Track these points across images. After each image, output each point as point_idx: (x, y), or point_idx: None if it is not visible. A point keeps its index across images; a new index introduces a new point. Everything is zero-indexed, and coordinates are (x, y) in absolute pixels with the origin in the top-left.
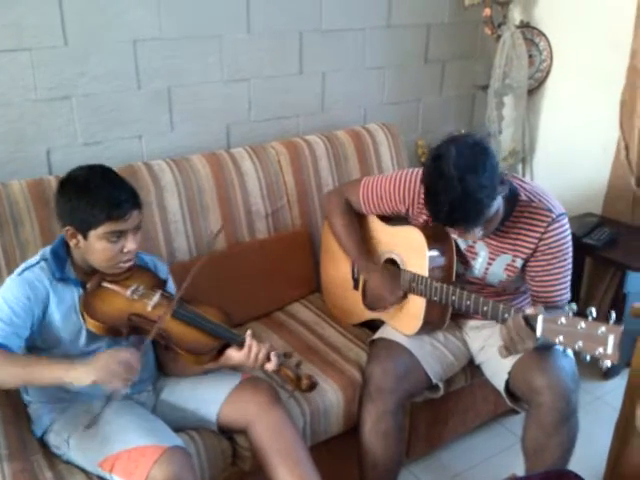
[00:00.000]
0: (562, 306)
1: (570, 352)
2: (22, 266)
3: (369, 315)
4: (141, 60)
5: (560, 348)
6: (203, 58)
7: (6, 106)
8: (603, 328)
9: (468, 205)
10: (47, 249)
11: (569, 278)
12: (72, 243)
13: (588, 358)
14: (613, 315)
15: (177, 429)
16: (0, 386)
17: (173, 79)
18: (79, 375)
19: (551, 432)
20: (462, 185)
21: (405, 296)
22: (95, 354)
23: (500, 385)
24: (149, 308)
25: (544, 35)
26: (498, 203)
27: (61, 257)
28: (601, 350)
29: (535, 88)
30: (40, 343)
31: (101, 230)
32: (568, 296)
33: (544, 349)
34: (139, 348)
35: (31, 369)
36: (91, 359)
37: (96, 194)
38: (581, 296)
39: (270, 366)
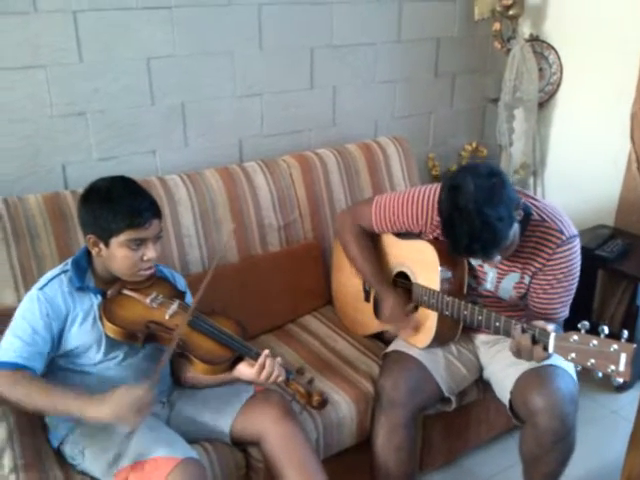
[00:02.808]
0: (558, 322)
1: (574, 372)
2: (43, 279)
3: (380, 327)
4: (155, 77)
5: (569, 363)
6: (216, 74)
7: (22, 122)
8: (615, 346)
9: (487, 236)
10: (69, 260)
11: (569, 298)
12: (94, 252)
13: (600, 375)
14: (625, 333)
15: (191, 441)
16: (20, 406)
17: (186, 95)
18: (97, 415)
19: (548, 448)
20: (480, 218)
21: (416, 309)
22: (112, 390)
23: (505, 402)
24: (167, 316)
25: (553, 48)
26: (515, 229)
27: (82, 267)
28: (613, 367)
29: (545, 101)
30: (62, 354)
31: (122, 237)
32: (565, 314)
33: (543, 368)
34: (154, 378)
35: (52, 399)
36: (108, 397)
37: (118, 203)
38: (594, 308)
39: (280, 379)
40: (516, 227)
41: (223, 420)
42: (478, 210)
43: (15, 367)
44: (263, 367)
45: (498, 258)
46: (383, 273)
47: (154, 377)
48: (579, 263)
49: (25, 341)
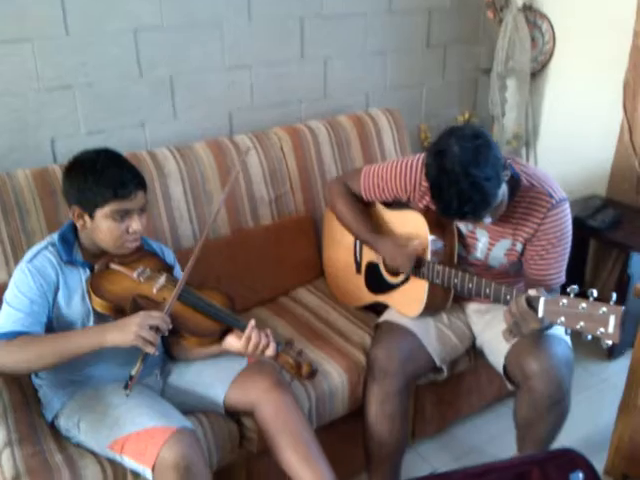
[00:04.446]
0: (555, 289)
1: (568, 337)
2: (30, 252)
3: (372, 298)
4: (142, 49)
5: (560, 329)
6: (204, 45)
7: (9, 96)
8: (604, 308)
9: (476, 197)
10: (55, 234)
11: (564, 263)
12: (79, 224)
13: (590, 337)
14: (614, 296)
15: (185, 412)
16: (35, 367)
17: (175, 67)
18: (115, 338)
19: (542, 412)
20: (468, 180)
21: (408, 278)
22: (133, 316)
23: (499, 369)
24: (154, 290)
25: (547, 18)
26: (503, 189)
27: (69, 241)
28: (602, 330)
29: (538, 71)
30: (56, 326)
31: (107, 209)
32: (561, 280)
33: (539, 334)
34: (168, 311)
35: (64, 341)
36: (123, 321)
37: (102, 174)
38: (586, 278)
39: (269, 352)
40: (504, 187)
41: (216, 391)
42: (465, 172)
43: (18, 335)
44: (249, 339)
45: (489, 220)
46: (377, 230)
47: (167, 308)
48: (571, 227)
49: (24, 312)
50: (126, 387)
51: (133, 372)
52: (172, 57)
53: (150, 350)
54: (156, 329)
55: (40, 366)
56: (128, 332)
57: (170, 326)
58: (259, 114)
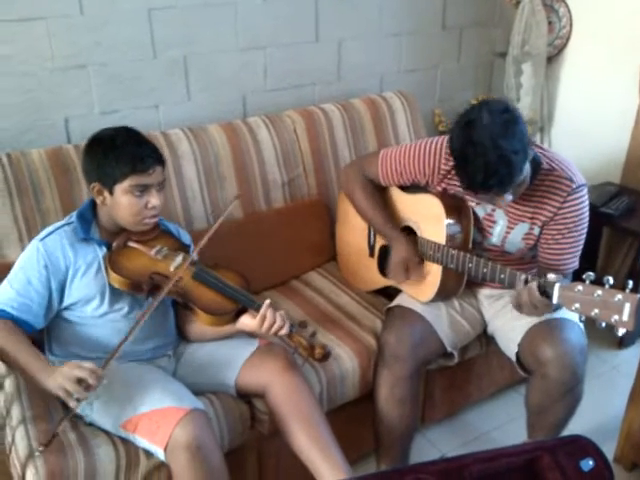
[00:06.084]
0: (567, 274)
1: (581, 324)
2: (45, 231)
3: (384, 282)
4: (156, 28)
5: (575, 316)
6: (218, 26)
7: (24, 75)
8: (620, 296)
9: (503, 170)
10: (74, 213)
11: (579, 249)
12: (99, 200)
13: (604, 325)
14: (630, 283)
15: (196, 393)
16: None
17: (188, 47)
18: (48, 382)
19: (556, 399)
20: (496, 152)
21: (421, 262)
22: (64, 364)
23: (512, 356)
24: (171, 268)
25: (564, 1)
26: (527, 167)
27: (87, 219)
28: (617, 317)
29: (554, 55)
30: (67, 307)
31: (126, 184)
32: (575, 265)
33: (553, 321)
34: (139, 321)
35: (18, 355)
36: (58, 367)
37: (121, 150)
38: (598, 265)
39: (283, 332)
40: (528, 165)
41: (228, 372)
42: (494, 144)
43: (3, 316)
44: (265, 318)
45: (510, 197)
46: (393, 220)
47: (112, 353)
48: (588, 213)
49: (17, 291)
50: (45, 445)
51: (58, 429)
52: (186, 37)
53: (71, 404)
54: (82, 382)
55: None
56: (53, 380)
57: (104, 381)
58: (273, 96)
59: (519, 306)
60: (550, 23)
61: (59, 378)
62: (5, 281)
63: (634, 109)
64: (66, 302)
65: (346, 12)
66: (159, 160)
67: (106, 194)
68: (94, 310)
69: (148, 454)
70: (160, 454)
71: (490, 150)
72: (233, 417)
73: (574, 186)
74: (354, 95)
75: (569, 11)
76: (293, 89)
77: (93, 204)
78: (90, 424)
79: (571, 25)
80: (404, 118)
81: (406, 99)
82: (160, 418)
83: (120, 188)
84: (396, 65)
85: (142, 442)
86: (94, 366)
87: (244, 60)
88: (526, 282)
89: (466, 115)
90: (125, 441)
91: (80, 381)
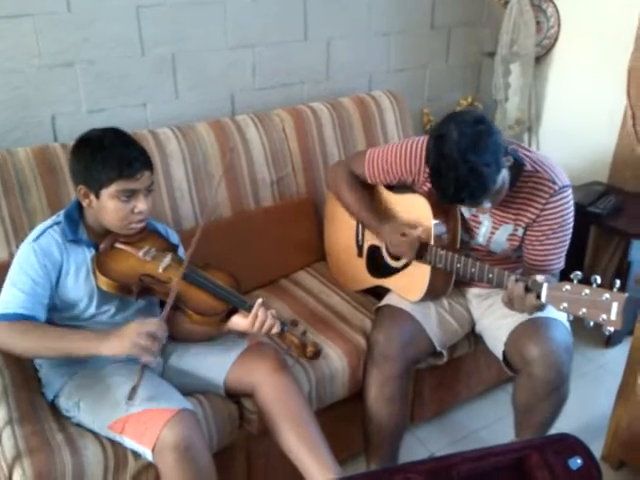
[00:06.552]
0: (553, 275)
1: (568, 323)
2: (36, 231)
3: (373, 282)
4: (144, 26)
5: (560, 314)
6: (207, 24)
7: (10, 72)
8: (607, 295)
9: (473, 183)
10: (61, 212)
11: (564, 249)
12: (85, 203)
13: (592, 324)
14: (617, 282)
15: (185, 393)
16: (31, 355)
17: (177, 45)
18: (112, 347)
19: (542, 398)
20: (466, 165)
21: (409, 263)
22: (125, 324)
23: (498, 355)
24: (160, 269)
25: (552, 1)
26: (503, 175)
27: (74, 219)
28: (605, 316)
29: (542, 55)
30: (55, 306)
31: (113, 188)
32: (560, 266)
33: (539, 320)
34: (164, 318)
35: (63, 340)
36: (120, 330)
37: (109, 152)
38: (585, 264)
39: (274, 331)
40: (505, 173)
41: (217, 372)
42: (463, 157)
43: (20, 317)
44: (257, 317)
45: (488, 205)
46: (380, 213)
47: (163, 315)
48: (572, 214)
49: (27, 293)
50: (130, 398)
51: (135, 383)
52: (174, 35)
53: (147, 359)
54: (153, 337)
55: (35, 355)
56: (125, 340)
57: (167, 333)
58: (261, 95)
59: (510, 301)
60: (538, 23)
61: (132, 336)
62: (8, 286)
63: (621, 109)
64: (57, 299)
65: (335, 11)
66: (147, 164)
67: (92, 197)
68: (82, 312)
69: (136, 455)
70: (148, 455)
71: (460, 164)
72: (222, 417)
73: (557, 187)
74: (343, 94)
75: (557, 11)
76: (282, 88)
77: (80, 204)
78: (77, 424)
79: (559, 25)
80: (393, 117)
81: (395, 98)
82: (148, 419)
83: (106, 192)
84: (385, 64)
85: (130, 443)
86: (157, 319)
87: (233, 58)
88: (516, 281)
89: (437, 129)
90: (113, 442)
91: (151, 335)
